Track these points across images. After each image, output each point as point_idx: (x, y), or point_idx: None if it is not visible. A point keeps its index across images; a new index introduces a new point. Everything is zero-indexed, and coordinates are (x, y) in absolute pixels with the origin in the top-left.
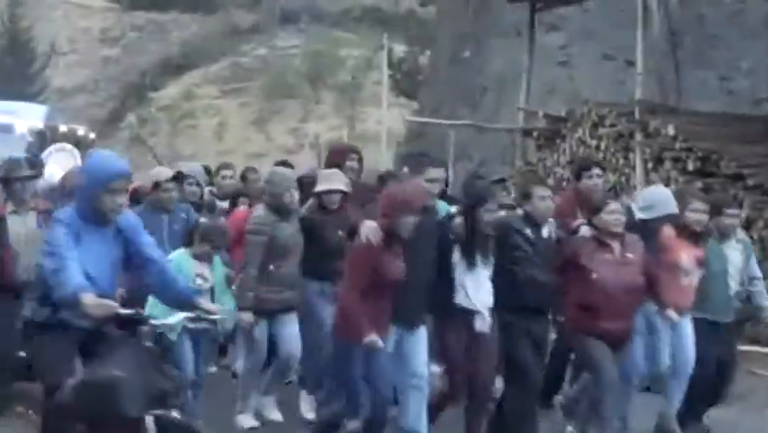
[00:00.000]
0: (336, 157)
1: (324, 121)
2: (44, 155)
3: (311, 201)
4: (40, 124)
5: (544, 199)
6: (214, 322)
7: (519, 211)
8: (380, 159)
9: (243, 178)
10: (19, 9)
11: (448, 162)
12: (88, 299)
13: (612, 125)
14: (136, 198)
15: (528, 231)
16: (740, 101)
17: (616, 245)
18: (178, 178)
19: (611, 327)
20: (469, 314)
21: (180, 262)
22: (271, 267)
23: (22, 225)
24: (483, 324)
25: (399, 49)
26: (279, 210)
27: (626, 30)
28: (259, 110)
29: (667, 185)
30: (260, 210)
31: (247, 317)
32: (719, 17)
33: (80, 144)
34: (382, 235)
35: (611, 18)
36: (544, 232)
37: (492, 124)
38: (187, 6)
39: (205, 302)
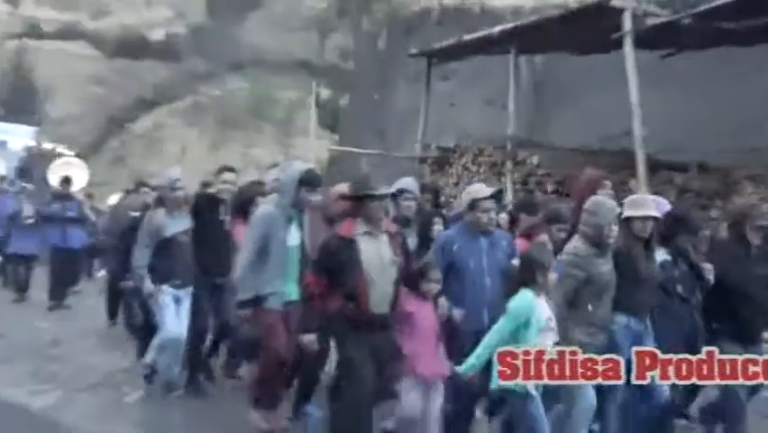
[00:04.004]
0: (588, 188)
1: (264, 148)
2: (54, 165)
3: (616, 229)
4: (30, 143)
5: None
6: None
7: None
8: None
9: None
10: (25, 56)
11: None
12: None
13: (489, 156)
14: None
15: None
16: (591, 137)
17: None
18: (497, 196)
19: None
20: None
21: (531, 307)
22: (590, 307)
23: (376, 252)
24: None
25: (325, 92)
26: (599, 245)
27: (503, 80)
28: (213, 138)
29: None
30: (576, 241)
31: None
32: (574, 72)
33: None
34: None
35: (491, 71)
36: None
37: (396, 153)
38: (156, 56)
39: None
